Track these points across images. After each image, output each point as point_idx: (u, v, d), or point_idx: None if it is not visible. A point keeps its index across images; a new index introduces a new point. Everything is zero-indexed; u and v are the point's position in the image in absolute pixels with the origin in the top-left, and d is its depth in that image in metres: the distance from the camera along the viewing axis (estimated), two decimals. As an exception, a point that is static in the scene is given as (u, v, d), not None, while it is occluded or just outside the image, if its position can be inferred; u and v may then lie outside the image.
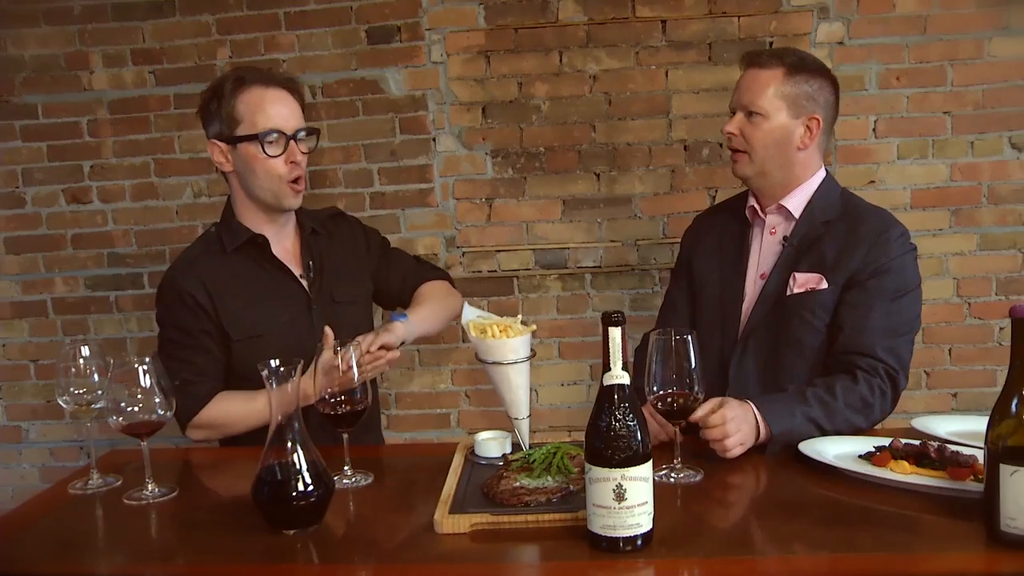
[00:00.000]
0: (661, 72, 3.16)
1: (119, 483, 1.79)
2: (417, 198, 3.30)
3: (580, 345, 3.33)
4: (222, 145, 2.08)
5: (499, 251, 3.32)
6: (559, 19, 3.16)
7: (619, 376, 1.37)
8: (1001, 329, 3.22)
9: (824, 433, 1.78)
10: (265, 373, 1.48)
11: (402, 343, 2.06)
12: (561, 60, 3.18)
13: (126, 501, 1.69)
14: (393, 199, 3.31)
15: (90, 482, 1.79)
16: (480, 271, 3.32)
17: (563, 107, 3.21)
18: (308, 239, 2.24)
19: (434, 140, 3.27)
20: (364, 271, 2.34)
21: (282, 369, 1.49)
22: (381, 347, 1.96)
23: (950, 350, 3.23)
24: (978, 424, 1.78)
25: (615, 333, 1.36)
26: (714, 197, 3.20)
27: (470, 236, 3.31)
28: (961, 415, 2.00)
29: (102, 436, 2.16)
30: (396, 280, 2.39)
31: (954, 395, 3.25)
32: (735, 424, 1.71)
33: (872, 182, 3.15)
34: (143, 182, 3.36)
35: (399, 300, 2.37)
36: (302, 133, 2.09)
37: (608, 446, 1.34)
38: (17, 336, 3.49)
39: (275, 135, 2.04)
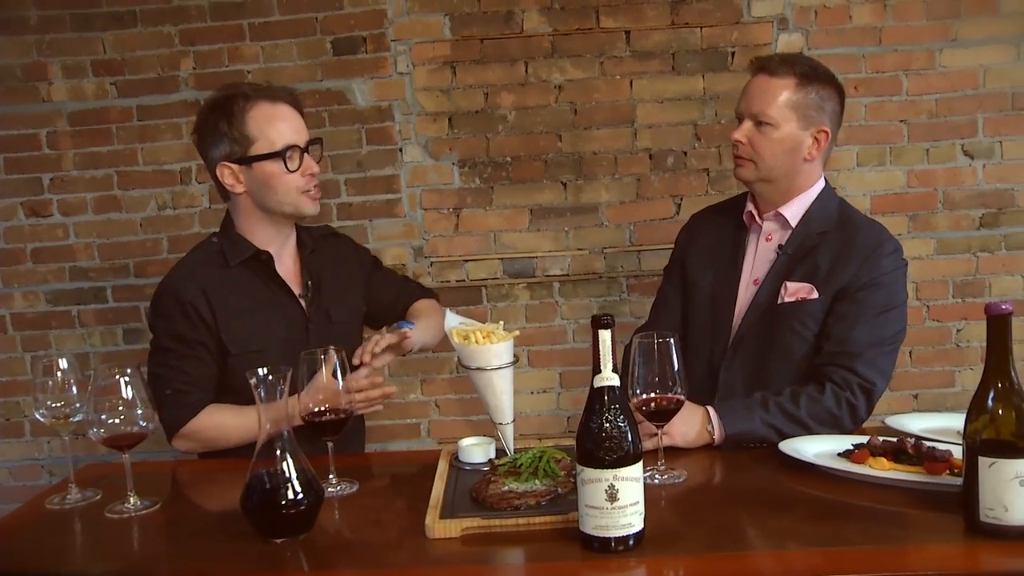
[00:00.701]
0: (625, 82, 3.21)
1: (98, 497, 1.76)
2: (384, 209, 3.30)
3: (549, 353, 3.35)
4: (234, 166, 2.05)
5: (467, 260, 3.33)
6: (524, 30, 3.19)
7: (610, 378, 1.39)
8: (958, 331, 3.31)
9: (785, 438, 1.82)
10: (253, 382, 1.48)
11: (407, 352, 2.09)
12: (526, 70, 3.21)
13: (108, 515, 1.66)
14: (360, 210, 3.30)
15: (68, 497, 1.76)
16: (448, 281, 3.33)
17: (529, 117, 3.24)
18: (307, 258, 2.23)
19: (401, 151, 3.27)
20: (358, 290, 2.34)
21: (270, 377, 1.48)
22: (387, 348, 2.01)
23: (911, 352, 3.31)
24: (948, 421, 1.85)
25: (605, 335, 1.38)
26: (679, 205, 3.25)
27: (438, 246, 3.32)
28: (928, 413, 2.06)
29: (74, 452, 2.10)
30: (388, 298, 2.40)
31: (915, 396, 3.33)
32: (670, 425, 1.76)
33: (833, 189, 3.21)
34: (105, 195, 3.31)
35: (391, 317, 2.37)
36: (310, 145, 2.10)
37: (600, 447, 1.35)
38: (-26, 353, 3.42)
39: (292, 150, 2.03)
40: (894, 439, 1.66)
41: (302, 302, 2.17)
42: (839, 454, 1.69)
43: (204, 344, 2.05)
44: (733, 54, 3.16)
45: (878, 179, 3.23)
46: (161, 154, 3.27)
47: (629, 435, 1.37)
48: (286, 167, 2.03)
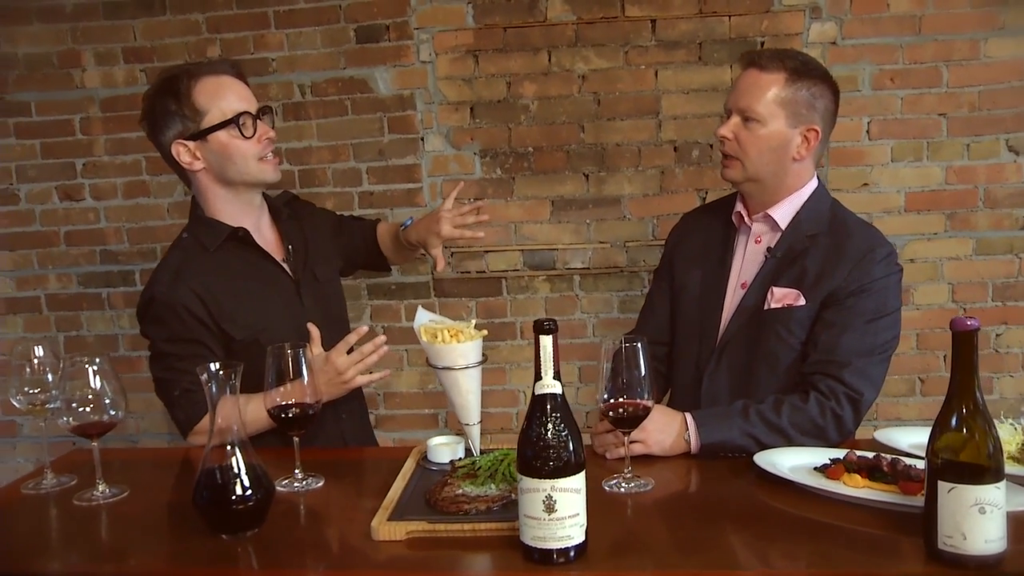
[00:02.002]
0: (650, 72, 3.13)
1: (73, 483, 1.79)
2: (405, 198, 3.29)
3: (568, 347, 3.30)
4: (190, 144, 2.04)
5: (487, 252, 3.30)
6: (548, 18, 3.14)
7: (550, 385, 1.34)
8: (997, 336, 3.16)
9: (765, 448, 1.74)
10: (204, 377, 1.47)
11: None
12: (550, 60, 3.16)
13: (75, 502, 1.69)
14: (381, 198, 3.30)
15: (43, 482, 1.79)
16: (468, 272, 3.31)
17: (551, 107, 3.18)
18: (284, 225, 2.23)
19: (422, 140, 3.25)
20: (332, 249, 2.37)
21: (221, 373, 1.48)
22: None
23: (945, 356, 3.17)
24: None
25: (546, 341, 1.34)
26: (704, 198, 3.16)
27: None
28: (925, 427, 1.96)
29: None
30: (359, 238, 2.46)
31: (948, 402, 3.19)
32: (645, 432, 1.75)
33: (865, 185, 3.10)
34: (134, 180, 3.38)
35: (365, 257, 2.48)
36: (261, 113, 2.08)
37: (538, 456, 1.31)
38: (11, 332, 3.52)
39: (244, 117, 2.03)
40: (871, 455, 1.58)
41: (285, 267, 2.16)
42: (816, 468, 1.62)
43: (203, 342, 2.02)
44: (763, 44, 3.06)
45: (914, 175, 3.09)
46: (187, 141, 3.31)
47: (570, 445, 1.32)
48: (241, 133, 2.02)
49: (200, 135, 2.02)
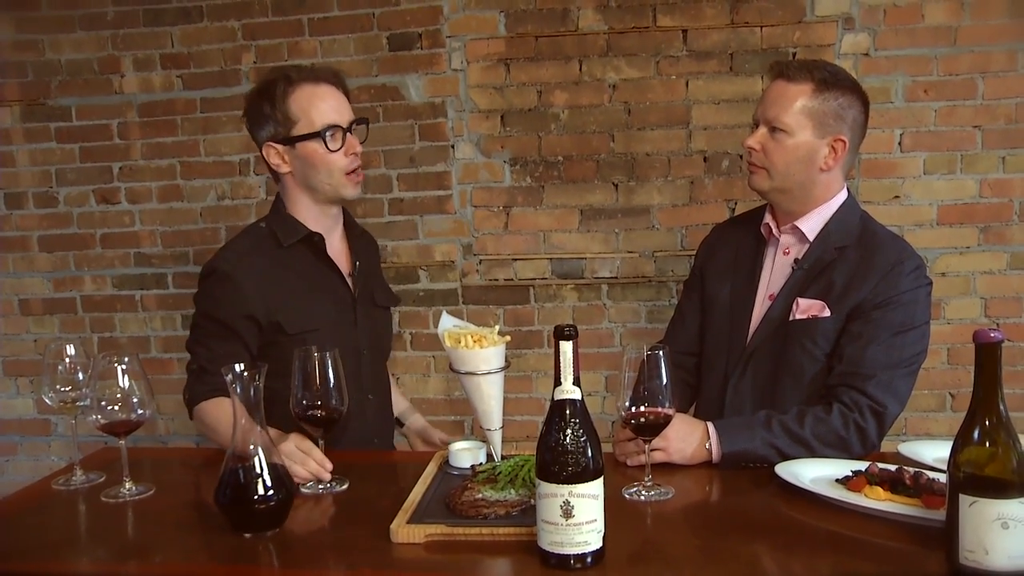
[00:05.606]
0: (681, 82, 3.13)
1: (102, 480, 1.83)
2: (435, 205, 3.32)
3: (595, 356, 3.30)
4: (279, 147, 2.09)
5: (516, 259, 3.31)
6: (579, 28, 3.14)
7: (570, 391, 1.35)
8: (1032, 352, 3.11)
9: (787, 459, 1.73)
10: (229, 378, 1.50)
11: None
12: (581, 69, 3.17)
13: (103, 499, 1.72)
14: (411, 205, 3.32)
15: (73, 478, 1.82)
16: (497, 279, 3.32)
17: (582, 116, 3.19)
18: (355, 241, 2.27)
19: (453, 147, 3.27)
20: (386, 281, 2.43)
21: (246, 373, 1.50)
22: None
23: (977, 372, 3.12)
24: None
25: (566, 347, 1.35)
26: (733, 209, 3.15)
27: (487, 244, 3.31)
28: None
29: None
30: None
31: (980, 418, 3.14)
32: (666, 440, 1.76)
33: (896, 197, 3.07)
34: (169, 184, 3.44)
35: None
36: (355, 125, 2.12)
37: (556, 461, 1.32)
38: (48, 331, 3.59)
39: (333, 130, 2.05)
40: (893, 468, 1.57)
41: (349, 282, 2.19)
42: (837, 480, 1.61)
43: (236, 330, 2.03)
44: (794, 55, 3.04)
45: (947, 188, 3.05)
46: (221, 145, 3.37)
47: (588, 451, 1.33)
48: (327, 147, 2.05)
49: (289, 141, 2.07)
